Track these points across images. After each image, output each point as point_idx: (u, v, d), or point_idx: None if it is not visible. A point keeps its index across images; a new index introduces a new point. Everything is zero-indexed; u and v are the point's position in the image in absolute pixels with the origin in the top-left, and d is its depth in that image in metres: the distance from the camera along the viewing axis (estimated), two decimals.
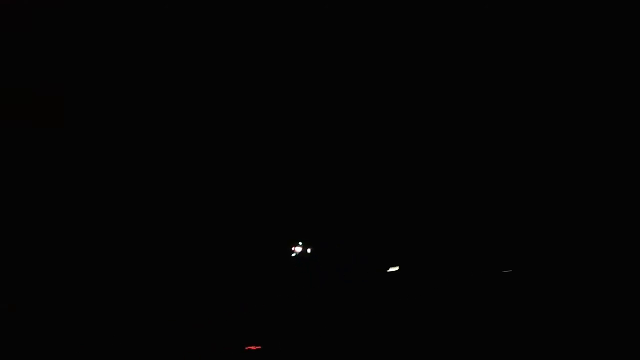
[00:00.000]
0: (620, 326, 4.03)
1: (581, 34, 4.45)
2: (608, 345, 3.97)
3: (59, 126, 4.47)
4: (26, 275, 4.31)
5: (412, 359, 4.08)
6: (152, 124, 4.57)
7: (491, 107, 4.59)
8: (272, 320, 4.30)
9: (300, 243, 4.52)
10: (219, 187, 4.60)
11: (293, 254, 4.48)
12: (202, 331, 4.21)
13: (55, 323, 4.18)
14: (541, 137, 4.55)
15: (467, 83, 4.58)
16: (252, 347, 4.00)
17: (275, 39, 4.54)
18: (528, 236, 4.50)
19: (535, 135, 4.56)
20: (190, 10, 4.48)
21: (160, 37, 4.51)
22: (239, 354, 4.13)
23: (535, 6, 4.42)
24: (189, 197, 4.56)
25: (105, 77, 4.52)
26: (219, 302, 4.37)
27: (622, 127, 4.47)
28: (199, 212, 4.55)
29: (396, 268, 4.30)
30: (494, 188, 4.57)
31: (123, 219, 4.48)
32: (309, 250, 4.50)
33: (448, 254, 4.52)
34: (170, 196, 4.55)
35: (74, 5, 4.41)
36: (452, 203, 4.59)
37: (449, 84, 4.59)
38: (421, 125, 4.63)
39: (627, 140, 4.46)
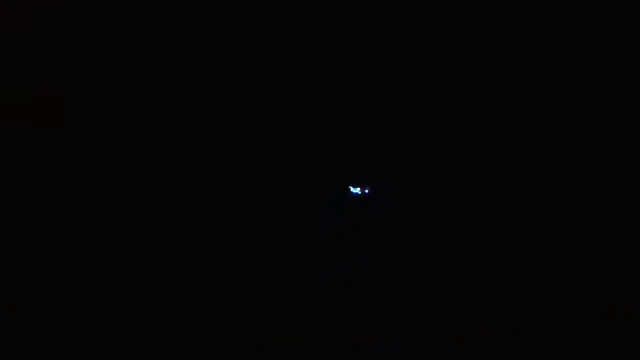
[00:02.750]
0: (620, 326, 4.03)
1: (581, 34, 4.46)
2: (608, 345, 3.97)
3: (59, 126, 4.48)
4: (26, 275, 4.31)
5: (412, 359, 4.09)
6: (152, 123, 4.57)
7: (491, 106, 4.59)
8: (272, 320, 4.30)
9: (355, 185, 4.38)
10: (219, 186, 4.60)
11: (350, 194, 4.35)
12: (202, 331, 4.21)
13: (55, 323, 4.18)
14: (541, 137, 4.55)
15: (467, 83, 4.58)
16: None
17: (275, 38, 4.55)
18: (528, 236, 4.50)
19: (535, 135, 4.56)
20: (190, 10, 4.48)
21: (160, 37, 4.51)
22: (239, 354, 4.14)
23: (535, 6, 4.43)
24: (189, 197, 4.56)
25: (106, 77, 4.52)
26: (219, 302, 4.37)
27: (622, 127, 4.47)
28: (199, 212, 4.56)
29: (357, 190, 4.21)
30: (494, 188, 4.57)
31: (123, 219, 4.48)
32: (366, 191, 4.38)
33: (448, 254, 4.53)
34: (170, 196, 4.55)
35: (74, 5, 4.41)
36: (453, 203, 4.60)
37: (449, 83, 4.59)
38: (421, 124, 4.63)
39: (627, 140, 4.46)
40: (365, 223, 4.63)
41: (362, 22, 4.47)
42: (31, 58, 4.43)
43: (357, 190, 4.41)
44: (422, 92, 4.60)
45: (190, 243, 4.51)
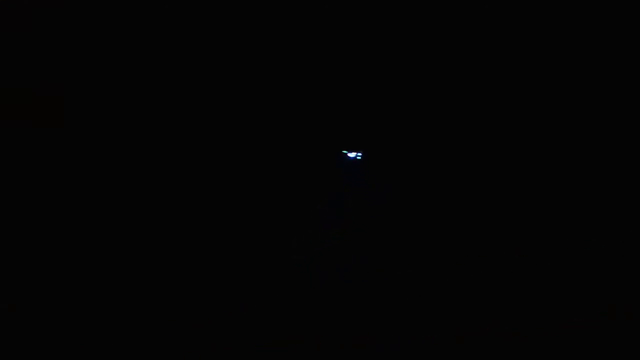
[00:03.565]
0: (620, 326, 4.03)
1: (581, 34, 4.46)
2: (608, 345, 3.97)
3: (59, 126, 4.48)
4: (26, 275, 4.31)
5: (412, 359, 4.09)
6: (152, 123, 4.57)
7: (491, 106, 4.59)
8: (272, 320, 4.30)
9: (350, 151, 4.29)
10: (219, 186, 4.60)
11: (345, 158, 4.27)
12: (202, 331, 4.21)
13: (55, 323, 4.18)
14: (541, 137, 4.56)
15: (466, 82, 4.58)
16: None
17: (275, 38, 4.55)
18: (528, 236, 4.50)
19: (535, 135, 4.56)
20: (191, 10, 4.48)
21: (160, 36, 4.51)
22: (239, 354, 4.14)
23: (535, 6, 4.43)
24: (189, 197, 4.56)
25: (105, 77, 4.53)
26: (219, 302, 4.37)
27: (622, 127, 4.47)
28: (199, 212, 4.56)
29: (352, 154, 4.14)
30: (494, 188, 4.57)
31: (123, 219, 4.48)
32: (359, 156, 4.29)
33: (448, 254, 4.53)
34: (170, 196, 4.55)
35: (74, 5, 4.41)
36: (453, 203, 4.60)
37: (449, 83, 4.60)
38: (421, 125, 4.63)
39: (627, 140, 4.46)
40: (365, 223, 4.63)
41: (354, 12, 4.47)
42: (31, 58, 4.43)
43: (352, 155, 4.35)
44: (420, 93, 4.61)
45: (190, 243, 4.51)
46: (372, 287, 4.45)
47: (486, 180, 4.59)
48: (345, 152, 4.32)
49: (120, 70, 4.52)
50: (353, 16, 4.49)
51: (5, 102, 4.42)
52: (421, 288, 4.42)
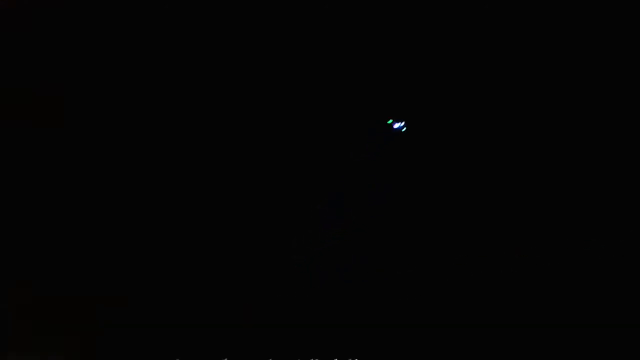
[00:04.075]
0: (620, 326, 4.03)
1: (581, 34, 4.46)
2: (608, 345, 3.97)
3: (59, 126, 4.48)
4: (26, 275, 4.31)
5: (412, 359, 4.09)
6: (152, 124, 4.57)
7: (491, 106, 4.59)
8: (272, 320, 4.30)
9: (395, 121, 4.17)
10: (219, 186, 4.60)
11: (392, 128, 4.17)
12: (202, 331, 4.21)
13: (55, 323, 4.18)
14: (541, 137, 4.56)
15: (466, 82, 4.58)
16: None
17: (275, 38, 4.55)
18: (528, 236, 4.50)
19: (536, 136, 4.56)
20: (191, 9, 4.49)
21: (160, 37, 4.51)
22: (239, 354, 4.14)
23: (536, 6, 4.43)
24: (188, 197, 4.56)
25: (106, 77, 4.53)
26: (219, 302, 4.37)
27: (622, 127, 4.47)
28: (199, 212, 4.56)
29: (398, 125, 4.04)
30: (495, 188, 4.58)
31: (123, 220, 4.49)
32: (403, 128, 4.19)
33: (448, 253, 4.53)
34: (170, 196, 4.55)
35: (74, 5, 4.41)
36: (453, 202, 4.60)
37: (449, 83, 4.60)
38: (420, 126, 4.63)
39: (627, 141, 4.47)
40: (365, 223, 4.63)
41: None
42: (31, 58, 4.43)
43: (397, 125, 4.22)
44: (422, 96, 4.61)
45: (190, 243, 4.51)
46: (372, 287, 4.45)
47: (487, 180, 4.59)
48: (391, 122, 4.15)
49: (121, 70, 4.52)
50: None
51: (5, 102, 4.42)
52: (421, 288, 4.42)
